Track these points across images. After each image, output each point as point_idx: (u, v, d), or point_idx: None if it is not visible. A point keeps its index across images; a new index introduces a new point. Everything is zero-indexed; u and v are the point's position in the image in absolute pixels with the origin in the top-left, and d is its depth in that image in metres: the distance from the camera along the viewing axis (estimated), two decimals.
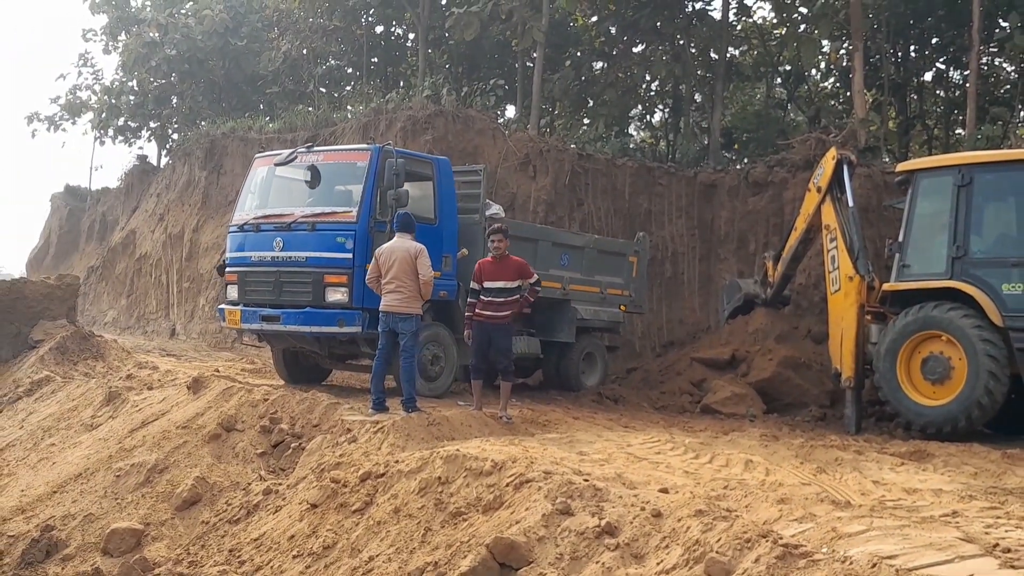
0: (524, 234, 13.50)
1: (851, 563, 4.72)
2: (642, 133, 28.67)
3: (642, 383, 15.76)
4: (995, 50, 22.80)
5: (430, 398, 11.28)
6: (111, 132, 35.19)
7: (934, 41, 23.44)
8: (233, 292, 12.37)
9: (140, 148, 36.06)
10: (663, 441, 9.72)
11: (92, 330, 18.02)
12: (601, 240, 15.73)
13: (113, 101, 34.06)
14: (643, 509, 6.10)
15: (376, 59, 28.98)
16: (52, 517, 9.33)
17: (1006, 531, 5.50)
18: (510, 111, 26.78)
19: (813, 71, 25.84)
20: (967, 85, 20.13)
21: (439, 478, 7.46)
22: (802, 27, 23.13)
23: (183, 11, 31.69)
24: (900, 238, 12.27)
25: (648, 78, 25.26)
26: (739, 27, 24.89)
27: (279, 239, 11.73)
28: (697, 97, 25.54)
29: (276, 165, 12.48)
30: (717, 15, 23.33)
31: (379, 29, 28.78)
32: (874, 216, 15.58)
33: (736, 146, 24.32)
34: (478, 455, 7.59)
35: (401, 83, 27.59)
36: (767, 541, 5.15)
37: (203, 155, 26.67)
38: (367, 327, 11.03)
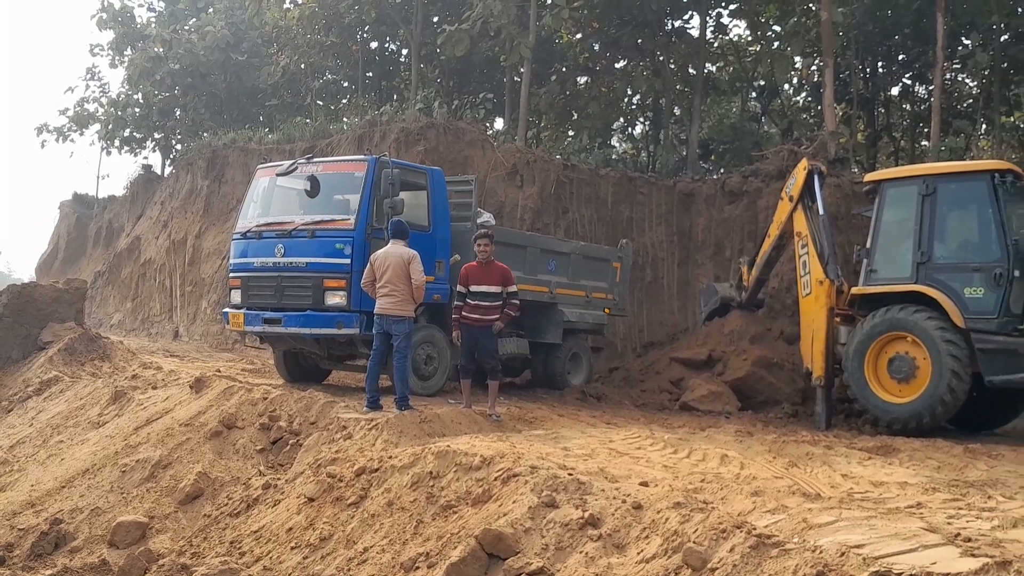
0: (513, 241, 13.57)
1: (821, 552, 4.74)
2: (624, 145, 28.73)
3: (624, 382, 15.76)
4: (958, 67, 22.96)
5: (423, 396, 11.28)
6: (117, 143, 35.04)
7: (900, 58, 23.58)
8: (237, 296, 12.41)
9: (145, 158, 35.96)
10: (643, 437, 9.73)
11: (99, 332, 17.89)
12: (586, 247, 15.77)
13: (119, 113, 34.00)
14: (624, 501, 6.12)
15: (371, 74, 28.96)
16: (60, 511, 9.29)
17: (967, 521, 5.52)
18: (499, 123, 26.86)
19: (786, 86, 25.99)
20: (931, 99, 20.26)
21: (431, 473, 7.46)
22: (775, 44, 23.29)
23: (186, 27, 31.68)
24: (868, 244, 12.33)
25: (630, 92, 25.35)
26: (716, 44, 25.01)
27: (280, 246, 11.78)
28: (676, 110, 25.60)
29: (277, 175, 12.53)
30: (695, 33, 23.48)
31: (374, 45, 28.77)
32: (843, 223, 15.62)
33: (713, 157, 24.38)
34: (468, 451, 7.60)
35: (395, 96, 27.57)
36: (741, 531, 5.18)
37: (205, 165, 26.57)
38: (364, 329, 11.04)
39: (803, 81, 25.83)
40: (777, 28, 23.48)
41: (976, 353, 11.06)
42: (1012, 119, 23.31)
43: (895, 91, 25.16)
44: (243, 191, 23.74)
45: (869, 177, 13.10)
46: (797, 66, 24.68)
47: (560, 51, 25.13)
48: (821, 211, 13.13)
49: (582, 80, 25.55)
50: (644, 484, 6.75)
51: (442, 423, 9.67)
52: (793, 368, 14.21)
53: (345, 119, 24.23)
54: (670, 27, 23.60)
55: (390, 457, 8.01)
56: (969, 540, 4.81)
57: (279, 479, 8.81)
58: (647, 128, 27.51)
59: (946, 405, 11.11)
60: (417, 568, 6.41)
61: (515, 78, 24.00)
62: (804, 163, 13.67)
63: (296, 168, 12.32)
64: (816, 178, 13.35)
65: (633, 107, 26.85)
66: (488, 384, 10.72)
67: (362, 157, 12.37)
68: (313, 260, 11.54)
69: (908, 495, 6.73)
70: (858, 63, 23.38)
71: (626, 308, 16.23)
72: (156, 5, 34.59)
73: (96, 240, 36.18)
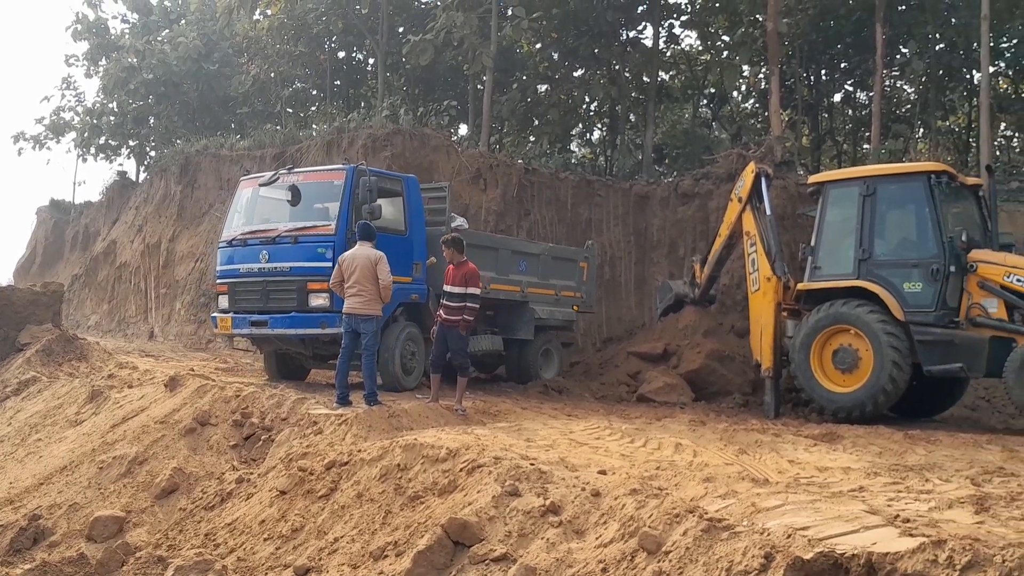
0: (486, 243, 13.78)
1: (768, 534, 4.79)
2: (583, 149, 28.77)
3: (584, 375, 15.82)
4: (896, 74, 23.30)
5: (391, 392, 11.27)
6: (93, 150, 34.56)
7: (842, 66, 23.85)
8: (224, 301, 12.44)
9: (120, 164, 35.77)
10: (602, 428, 9.76)
11: (76, 333, 17.64)
12: (555, 248, 15.89)
13: (94, 121, 33.51)
14: (584, 489, 6.14)
15: (339, 82, 28.79)
16: (39, 507, 9.13)
17: (906, 503, 5.58)
18: (462, 129, 26.78)
19: (734, 93, 26.21)
20: (872, 105, 20.49)
21: (398, 465, 7.44)
22: (724, 54, 23.44)
23: (159, 38, 31.27)
24: (812, 243, 12.44)
25: (587, 99, 25.44)
26: (668, 54, 25.15)
27: (265, 252, 11.85)
28: (631, 117, 25.70)
29: (260, 186, 12.60)
30: (649, 43, 23.59)
31: (341, 54, 28.59)
32: (789, 223, 15.74)
33: (667, 161, 24.50)
34: (434, 443, 7.58)
35: (362, 104, 27.39)
36: (694, 516, 5.21)
37: (178, 171, 26.25)
38: None
39: (751, 88, 26.07)
40: (726, 38, 23.64)
41: (915, 344, 11.20)
42: (947, 123, 23.68)
43: (837, 97, 25.49)
44: (215, 196, 23.63)
45: (813, 179, 13.21)
46: (745, 74, 24.90)
47: (521, 60, 25.14)
48: (768, 211, 13.24)
49: (542, 88, 25.60)
50: (602, 472, 6.77)
51: (409, 417, 9.65)
52: (744, 360, 14.32)
53: (314, 126, 24.04)
54: (625, 37, 23.71)
55: (359, 451, 7.98)
56: (908, 521, 4.87)
57: (252, 473, 8.73)
58: (604, 133, 27.60)
59: (887, 394, 11.24)
60: (386, 557, 6.38)
61: (478, 86, 23.97)
62: (752, 166, 13.76)
63: (278, 179, 12.39)
64: (763, 180, 13.45)
65: (591, 113, 26.96)
66: (458, 380, 10.73)
67: (341, 166, 12.53)
68: (296, 265, 11.64)
69: (851, 479, 6.79)
70: (802, 71, 23.64)
71: (593, 305, 16.36)
72: (130, 17, 34.08)
73: (73, 244, 35.65)
